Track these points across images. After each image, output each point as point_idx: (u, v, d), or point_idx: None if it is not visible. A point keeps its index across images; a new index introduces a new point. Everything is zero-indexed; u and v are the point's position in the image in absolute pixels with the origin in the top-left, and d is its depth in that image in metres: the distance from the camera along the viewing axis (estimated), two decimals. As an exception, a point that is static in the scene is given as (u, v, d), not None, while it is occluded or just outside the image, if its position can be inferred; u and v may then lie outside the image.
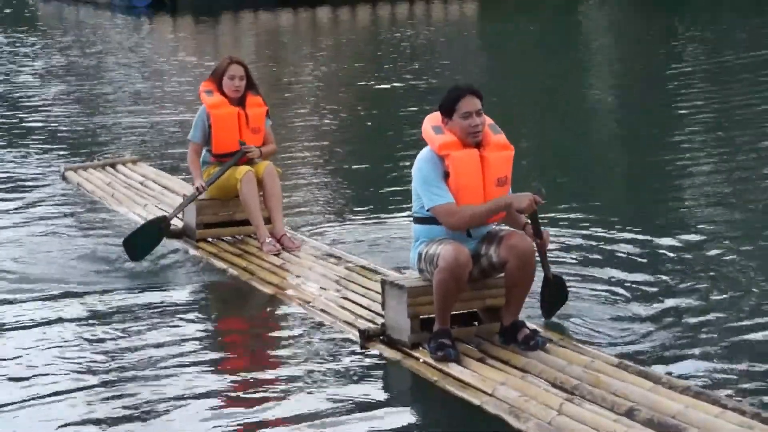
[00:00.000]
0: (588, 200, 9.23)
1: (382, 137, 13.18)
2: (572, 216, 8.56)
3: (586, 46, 23.26)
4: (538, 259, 5.75)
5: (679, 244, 7.75)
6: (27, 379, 5.57)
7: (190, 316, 6.60)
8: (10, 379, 5.58)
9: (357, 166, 11.42)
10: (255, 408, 5.17)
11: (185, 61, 21.67)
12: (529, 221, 5.67)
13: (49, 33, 27.71)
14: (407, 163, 10.96)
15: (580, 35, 25.46)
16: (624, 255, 7.55)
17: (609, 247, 7.72)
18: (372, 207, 9.35)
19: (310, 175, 10.95)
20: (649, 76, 17.13)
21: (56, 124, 14.22)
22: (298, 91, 17.17)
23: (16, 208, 9.35)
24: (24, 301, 6.83)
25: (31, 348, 6.02)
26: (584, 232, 8.14)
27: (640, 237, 7.95)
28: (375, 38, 25.72)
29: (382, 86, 17.20)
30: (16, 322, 6.46)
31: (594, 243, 7.83)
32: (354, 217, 9.03)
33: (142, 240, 7.73)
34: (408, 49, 22.65)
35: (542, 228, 5.71)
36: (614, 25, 26.94)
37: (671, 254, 7.54)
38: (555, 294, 6.06)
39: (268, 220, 7.81)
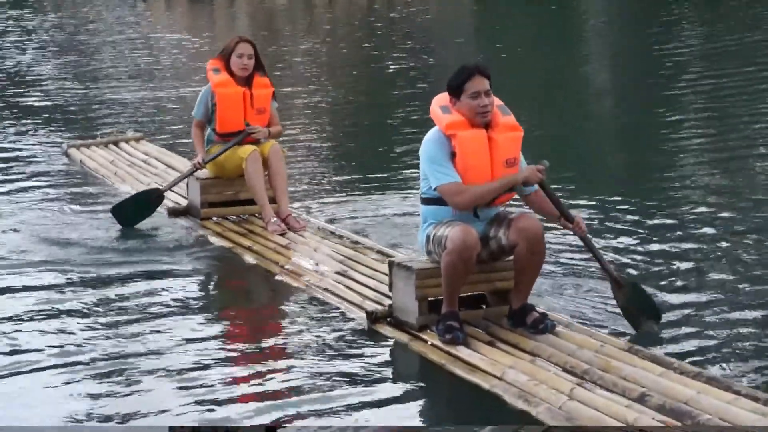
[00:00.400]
0: (590, 185, 9.18)
1: (380, 117, 13.16)
2: (578, 201, 8.52)
3: (582, 31, 23.19)
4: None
5: (687, 229, 7.73)
6: (27, 357, 5.49)
7: (194, 296, 6.55)
8: (11, 357, 5.51)
9: (358, 146, 11.40)
10: (259, 389, 5.11)
11: (181, 39, 21.61)
12: (558, 210, 5.61)
13: (46, 10, 27.59)
14: (405, 144, 10.95)
15: (575, 20, 25.40)
16: (629, 240, 7.51)
17: (614, 233, 7.69)
18: (375, 186, 9.33)
19: (312, 154, 10.92)
20: (646, 61, 17.07)
21: (56, 101, 14.19)
22: (295, 70, 17.10)
23: (19, 185, 9.30)
24: (26, 278, 6.77)
25: (33, 328, 5.95)
26: (592, 215, 8.12)
27: (648, 222, 7.93)
28: (372, 19, 25.63)
29: (380, 66, 17.15)
30: (18, 299, 6.39)
31: (600, 227, 7.79)
32: (358, 197, 9.00)
33: (134, 210, 7.77)
34: (405, 30, 22.57)
35: (571, 213, 5.64)
36: (611, 9, 26.86)
37: (678, 239, 7.51)
38: (628, 304, 5.69)
39: (273, 200, 7.77)
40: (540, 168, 5.49)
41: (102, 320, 6.07)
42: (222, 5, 30.75)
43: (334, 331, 5.89)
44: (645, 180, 9.61)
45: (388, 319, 5.87)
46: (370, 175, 9.87)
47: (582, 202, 8.52)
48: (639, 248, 7.33)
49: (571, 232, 5.71)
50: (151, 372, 5.31)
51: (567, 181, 9.05)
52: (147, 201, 7.90)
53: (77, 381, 5.20)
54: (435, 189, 5.55)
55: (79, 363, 5.42)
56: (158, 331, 5.88)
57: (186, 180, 8.11)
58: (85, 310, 6.22)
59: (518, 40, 21.32)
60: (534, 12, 25.98)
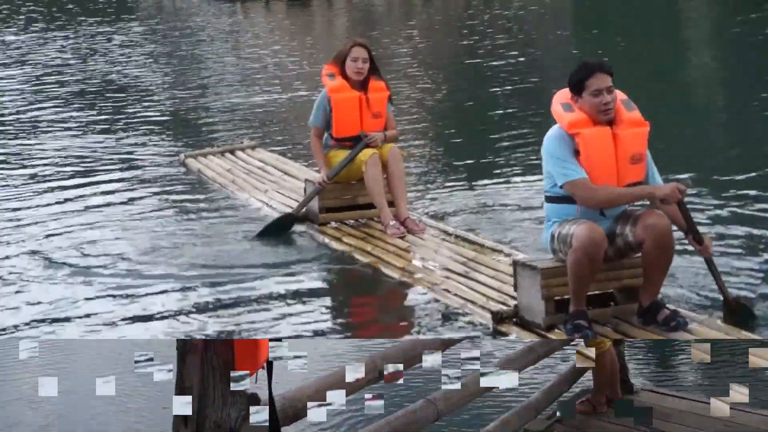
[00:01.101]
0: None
1: (483, 113, 13.08)
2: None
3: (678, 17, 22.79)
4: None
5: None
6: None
7: (316, 301, 6.55)
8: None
9: (464, 144, 11.34)
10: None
11: (284, 44, 21.80)
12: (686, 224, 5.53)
13: (148, 22, 28.12)
14: (511, 140, 10.89)
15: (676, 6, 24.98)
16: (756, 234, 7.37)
17: (740, 226, 7.54)
18: (484, 183, 9.29)
19: (419, 154, 10.92)
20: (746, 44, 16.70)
21: (167, 111, 14.42)
22: (397, 69, 17.12)
23: (142, 195, 9.41)
24: (155, 281, 6.88)
25: (161, 326, 6.06)
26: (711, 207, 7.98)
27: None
28: (469, 15, 25.54)
29: (481, 62, 17.07)
30: (151, 301, 6.50)
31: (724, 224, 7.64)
32: (468, 195, 8.96)
33: (270, 234, 7.83)
34: (507, 25, 22.44)
35: (701, 234, 5.56)
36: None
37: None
38: (734, 319, 5.62)
39: (391, 203, 7.79)
40: (681, 188, 5.38)
41: (223, 323, 6.11)
42: (320, 8, 30.99)
43: (460, 332, 5.86)
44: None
45: (514, 320, 5.85)
46: (479, 173, 9.83)
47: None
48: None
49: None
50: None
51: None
52: (282, 226, 7.96)
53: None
54: (562, 186, 5.52)
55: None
56: (279, 332, 5.90)
57: (304, 186, 8.21)
58: (205, 312, 6.27)
59: (617, 30, 21.05)
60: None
